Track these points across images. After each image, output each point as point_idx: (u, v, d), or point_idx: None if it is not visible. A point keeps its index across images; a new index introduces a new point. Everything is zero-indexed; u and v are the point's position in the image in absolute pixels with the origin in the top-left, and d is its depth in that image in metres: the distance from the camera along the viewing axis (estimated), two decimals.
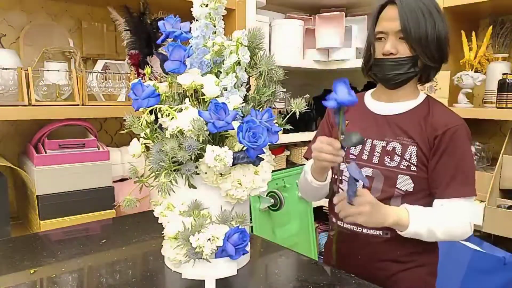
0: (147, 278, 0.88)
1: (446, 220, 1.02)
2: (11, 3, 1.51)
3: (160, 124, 0.83)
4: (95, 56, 1.68)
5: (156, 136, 0.84)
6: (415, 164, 1.05)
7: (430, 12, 1.02)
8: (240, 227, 0.81)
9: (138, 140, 0.89)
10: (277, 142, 0.84)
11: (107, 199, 1.42)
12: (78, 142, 1.39)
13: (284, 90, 0.99)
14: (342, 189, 1.13)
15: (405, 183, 1.06)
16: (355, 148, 1.12)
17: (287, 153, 2.33)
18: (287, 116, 0.90)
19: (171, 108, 0.80)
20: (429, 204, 1.06)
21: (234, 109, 0.81)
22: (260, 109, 0.90)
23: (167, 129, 0.81)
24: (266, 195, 1.90)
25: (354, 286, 0.90)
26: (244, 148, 0.80)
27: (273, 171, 0.89)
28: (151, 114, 0.83)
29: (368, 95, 1.21)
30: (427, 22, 1.01)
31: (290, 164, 2.36)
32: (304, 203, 2.21)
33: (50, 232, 1.22)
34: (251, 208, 1.88)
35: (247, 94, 0.90)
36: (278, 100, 0.95)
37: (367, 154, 1.11)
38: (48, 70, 1.40)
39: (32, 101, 1.29)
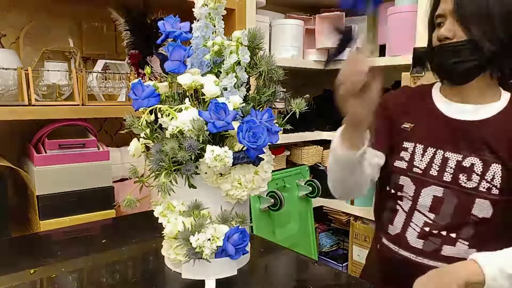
0: (147, 278, 0.88)
1: None
2: (11, 3, 1.51)
3: (160, 124, 0.83)
4: (95, 56, 1.68)
5: (156, 136, 0.84)
6: (498, 187, 0.85)
7: None
8: (240, 227, 0.81)
9: (138, 140, 0.89)
10: (277, 142, 0.84)
11: (107, 199, 1.42)
12: (78, 142, 1.39)
13: (284, 90, 0.99)
14: (404, 210, 0.96)
15: (482, 209, 0.87)
16: (421, 160, 0.93)
17: (287, 153, 2.33)
18: (287, 116, 0.90)
19: (171, 108, 0.80)
20: (509, 237, 0.87)
21: (234, 109, 0.81)
22: (260, 109, 0.90)
23: (167, 129, 0.81)
24: (266, 195, 1.90)
25: (354, 286, 0.90)
26: (244, 148, 0.80)
27: (273, 171, 0.89)
28: (151, 114, 0.83)
29: (436, 89, 0.98)
30: None
31: (290, 164, 2.36)
32: (304, 203, 2.20)
33: (50, 232, 1.22)
34: (251, 208, 1.88)
35: (247, 94, 0.90)
36: (278, 100, 0.95)
37: (437, 169, 0.91)
38: (48, 70, 1.40)
39: (32, 101, 1.29)
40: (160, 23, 0.85)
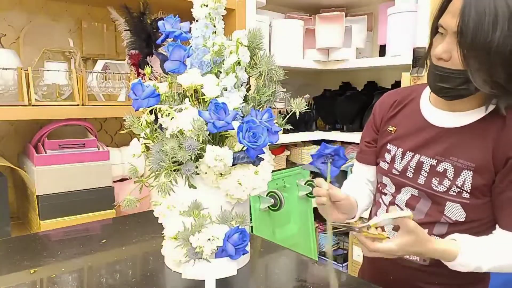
0: (147, 278, 0.88)
1: (501, 255, 0.84)
2: (11, 3, 1.51)
3: (160, 124, 0.83)
4: (95, 56, 1.68)
5: (156, 136, 0.84)
6: (469, 191, 0.86)
7: (510, 17, 0.73)
8: (240, 227, 0.81)
9: (138, 140, 0.89)
10: (277, 142, 0.84)
11: (107, 199, 1.42)
12: (78, 142, 1.39)
13: (284, 90, 0.99)
14: (385, 204, 1.03)
15: (455, 212, 0.89)
16: (400, 163, 0.97)
17: (287, 153, 2.33)
18: (287, 116, 0.90)
19: (171, 108, 0.80)
20: (484, 234, 0.88)
21: (234, 109, 0.81)
22: (260, 109, 0.90)
23: (167, 129, 0.81)
24: (266, 195, 1.90)
25: (354, 286, 0.90)
26: (244, 148, 0.80)
27: (273, 171, 0.89)
28: (151, 114, 0.83)
29: (426, 94, 0.98)
30: (497, 28, 0.73)
31: (290, 164, 2.36)
32: (304, 203, 2.21)
33: (50, 232, 1.22)
34: (251, 208, 1.88)
35: (247, 94, 0.90)
36: (278, 100, 0.95)
37: (412, 171, 0.94)
38: (48, 70, 1.40)
39: (32, 101, 1.29)
40: (160, 23, 0.85)
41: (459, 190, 0.87)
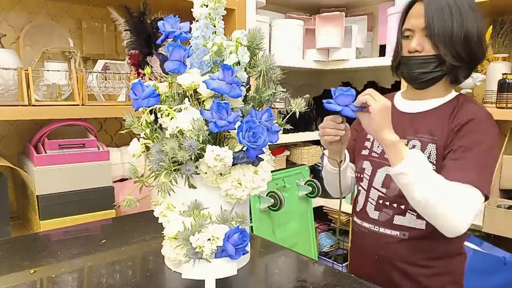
0: (147, 278, 0.88)
1: (452, 189, 0.93)
2: (11, 3, 1.51)
3: (160, 124, 0.83)
4: (95, 56, 1.68)
5: (156, 136, 0.84)
6: (434, 162, 1.02)
7: (460, 10, 1.00)
8: (240, 227, 0.81)
9: (138, 140, 0.89)
10: (277, 142, 0.84)
11: (107, 199, 1.42)
12: (78, 142, 1.39)
13: (284, 90, 0.99)
14: (364, 189, 1.14)
15: None
16: (378, 147, 1.12)
17: (287, 153, 2.33)
18: (287, 116, 0.90)
19: (171, 108, 0.80)
20: None
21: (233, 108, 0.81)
22: (260, 109, 0.90)
23: (167, 129, 0.81)
24: (266, 195, 1.90)
25: (354, 286, 0.90)
26: (244, 148, 0.80)
27: (273, 171, 0.89)
28: (151, 114, 0.83)
29: (398, 94, 1.20)
30: (454, 20, 0.99)
31: (290, 164, 2.36)
32: (304, 203, 2.21)
33: (50, 232, 1.22)
34: (251, 208, 1.88)
35: (247, 94, 0.90)
36: (278, 100, 0.95)
37: None
38: (48, 70, 1.40)
39: (32, 101, 1.29)
40: (160, 23, 0.85)
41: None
